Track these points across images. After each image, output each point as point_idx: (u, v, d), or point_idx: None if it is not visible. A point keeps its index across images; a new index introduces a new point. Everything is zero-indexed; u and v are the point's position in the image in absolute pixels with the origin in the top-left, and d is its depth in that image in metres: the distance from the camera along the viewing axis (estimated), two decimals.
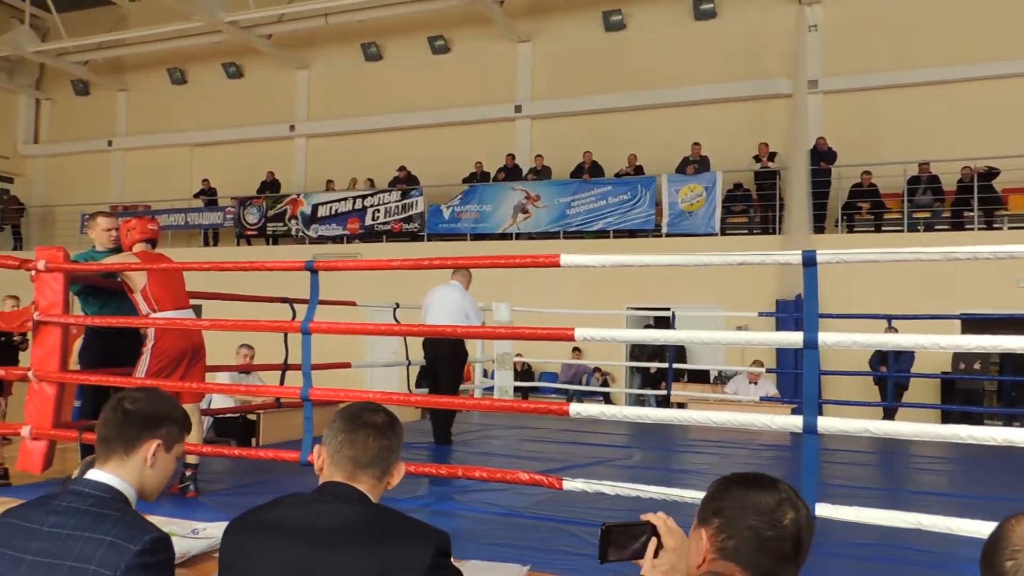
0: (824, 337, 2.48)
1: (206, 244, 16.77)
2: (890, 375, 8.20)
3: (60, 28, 16.93)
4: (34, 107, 20.56)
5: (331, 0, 14.81)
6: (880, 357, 9.20)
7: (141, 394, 1.85)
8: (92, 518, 1.63)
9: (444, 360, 6.09)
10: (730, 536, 1.34)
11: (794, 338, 2.56)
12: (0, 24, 18.02)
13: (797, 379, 10.14)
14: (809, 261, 2.52)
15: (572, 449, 5.98)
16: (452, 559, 1.78)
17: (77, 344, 4.78)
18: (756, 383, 8.73)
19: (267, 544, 1.59)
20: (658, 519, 1.57)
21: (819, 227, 12.12)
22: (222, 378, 5.96)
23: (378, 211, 14.80)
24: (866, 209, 12.14)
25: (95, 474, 1.74)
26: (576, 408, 2.92)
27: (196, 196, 17.27)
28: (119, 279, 4.11)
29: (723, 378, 10.52)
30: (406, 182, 15.07)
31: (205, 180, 17.32)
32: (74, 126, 20.03)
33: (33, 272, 3.96)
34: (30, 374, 3.87)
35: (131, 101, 19.50)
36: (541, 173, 14.25)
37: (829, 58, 13.29)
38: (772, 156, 12.76)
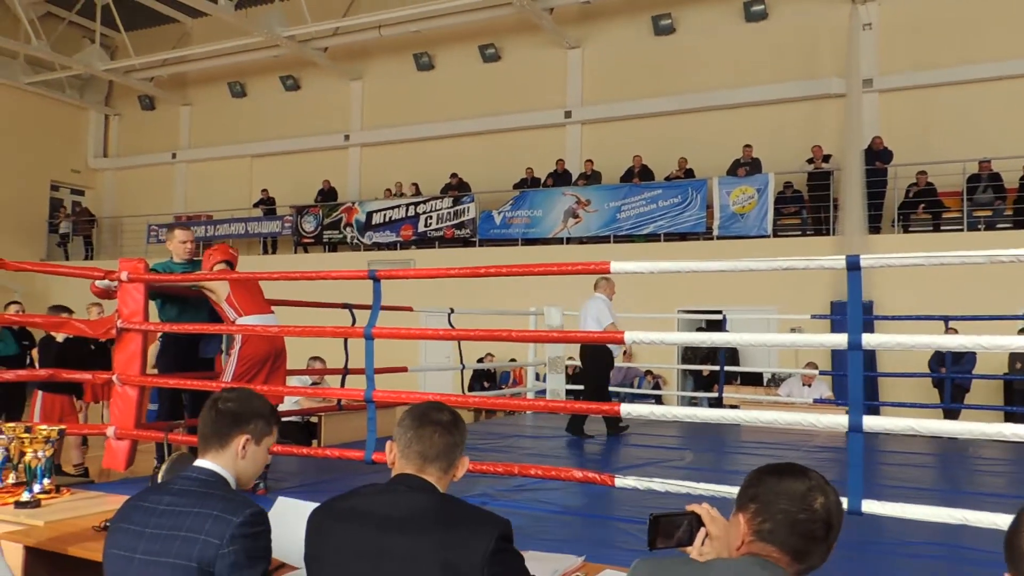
0: (868, 338, 2.55)
1: (265, 252, 17.29)
2: (948, 376, 8.07)
3: (128, 46, 17.69)
4: (103, 122, 21.47)
5: (385, 12, 15.18)
6: (939, 359, 9.06)
7: (232, 394, 2.08)
8: (200, 497, 1.87)
9: (586, 365, 6.83)
10: (765, 520, 1.46)
11: (838, 339, 2.63)
12: (72, 44, 18.89)
13: None
14: (853, 265, 2.60)
15: (624, 451, 6.07)
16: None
17: (152, 349, 5.08)
18: (810, 385, 8.68)
19: (347, 529, 1.77)
20: (702, 509, 1.70)
21: (875, 228, 11.94)
22: (292, 382, 6.21)
23: (430, 218, 15.07)
24: (923, 209, 11.92)
25: (200, 462, 1.99)
26: (626, 408, 3.03)
27: (255, 205, 17.81)
28: (193, 288, 4.38)
29: (776, 381, 10.46)
30: (458, 188, 15.32)
31: (264, 190, 17.86)
32: (140, 140, 20.86)
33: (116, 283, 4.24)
34: (114, 378, 4.15)
35: (194, 115, 20.23)
36: (591, 178, 14.35)
37: (884, 56, 13.09)
38: (826, 158, 12.62)
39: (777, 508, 1.46)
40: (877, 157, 12.20)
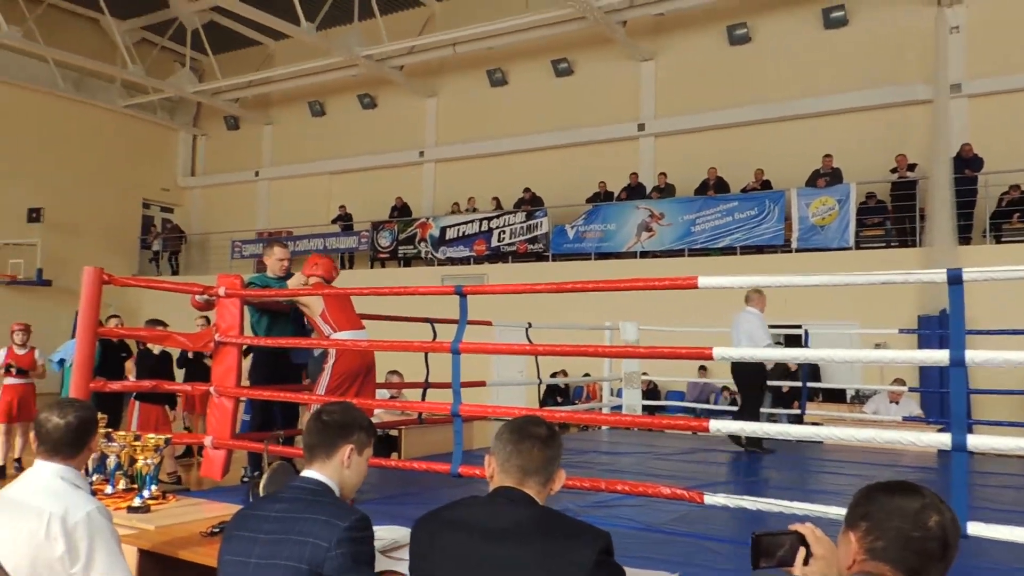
0: (972, 355, 2.46)
1: (342, 267, 17.69)
2: None
3: (215, 69, 18.48)
4: (191, 142, 22.47)
5: (459, 30, 15.44)
6: None
7: (336, 407, 2.19)
8: (308, 504, 1.97)
9: (739, 383, 6.79)
10: (877, 538, 1.44)
11: (939, 356, 2.55)
12: (164, 68, 19.85)
13: (943, 399, 9.62)
14: (955, 279, 2.52)
15: (703, 468, 5.96)
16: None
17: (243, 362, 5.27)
18: (898, 402, 8.37)
19: (452, 538, 1.82)
20: (806, 528, 1.68)
21: (964, 238, 11.48)
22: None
23: (503, 232, 15.20)
24: (1017, 218, 11.39)
25: (307, 472, 2.09)
26: (716, 424, 2.99)
27: (334, 221, 18.29)
28: (287, 303, 4.53)
29: (861, 398, 10.13)
30: (531, 203, 15.41)
31: (342, 206, 18.33)
32: (225, 159, 21.73)
33: (214, 296, 4.42)
34: (212, 389, 4.33)
35: (276, 134, 20.96)
36: (665, 191, 14.24)
37: (972, 60, 12.61)
38: (912, 167, 12.21)
39: (890, 526, 1.43)
40: (966, 165, 11.74)
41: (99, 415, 2.57)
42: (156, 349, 7.09)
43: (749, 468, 5.99)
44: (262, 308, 4.73)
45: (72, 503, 2.14)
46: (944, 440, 2.53)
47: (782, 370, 11.67)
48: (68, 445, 2.25)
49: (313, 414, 2.16)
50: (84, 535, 2.09)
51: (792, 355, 2.97)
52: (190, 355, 7.77)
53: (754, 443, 6.55)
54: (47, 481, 2.20)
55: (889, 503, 1.46)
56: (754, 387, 6.74)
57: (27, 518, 2.11)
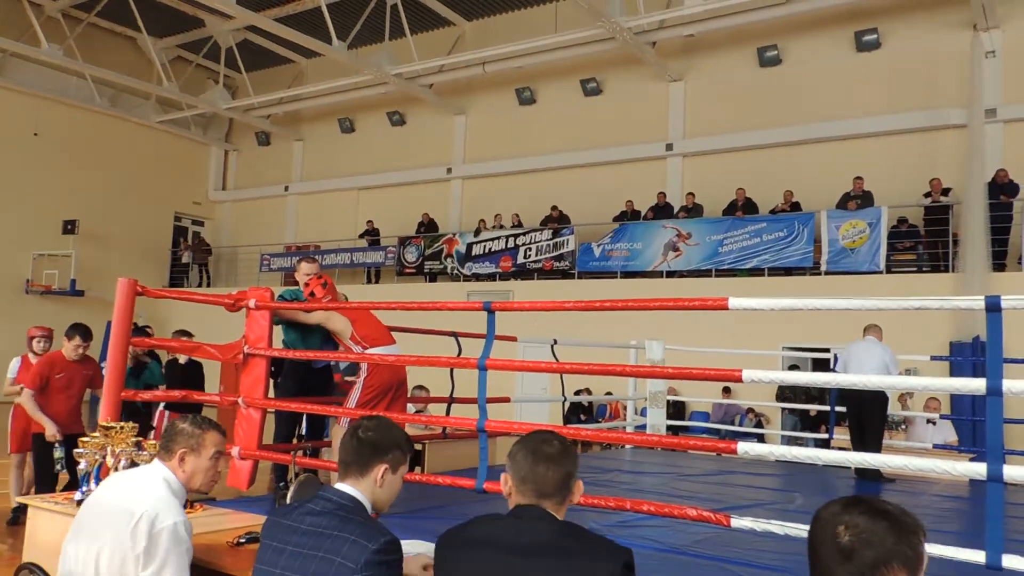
0: (1010, 384, 2.42)
1: (368, 281, 17.84)
2: None
3: (248, 86, 18.79)
4: (223, 158, 22.83)
5: (489, 49, 15.57)
6: None
7: (372, 423, 2.17)
8: (340, 520, 1.96)
9: (868, 407, 6.58)
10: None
11: (976, 384, 2.51)
12: (198, 85, 20.24)
13: (975, 427, 9.44)
14: (993, 307, 2.48)
15: (728, 490, 5.89)
16: None
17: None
18: (934, 423, 8.26)
19: (477, 555, 1.83)
20: None
21: (999, 264, 11.29)
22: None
23: (530, 249, 15.23)
24: None
25: (340, 486, 2.08)
26: (744, 447, 2.96)
27: (361, 236, 18.45)
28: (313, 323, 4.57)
29: (890, 424, 9.97)
30: (558, 221, 15.43)
31: (369, 221, 18.49)
32: (256, 174, 22.03)
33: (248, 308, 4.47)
34: (240, 400, 4.36)
35: (306, 149, 21.23)
36: (692, 211, 14.19)
37: (1009, 85, 12.45)
38: (945, 191, 12.06)
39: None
40: (1001, 190, 11.58)
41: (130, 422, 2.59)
42: (183, 359, 7.15)
43: (775, 491, 5.91)
44: (292, 321, 4.77)
45: (164, 509, 2.24)
46: (979, 470, 2.48)
47: (808, 393, 11.51)
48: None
49: (349, 430, 2.15)
50: (165, 543, 2.18)
51: (825, 380, 2.93)
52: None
53: (876, 474, 6.39)
54: (152, 480, 2.35)
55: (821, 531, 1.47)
56: (883, 415, 6.63)
57: (121, 510, 2.23)
